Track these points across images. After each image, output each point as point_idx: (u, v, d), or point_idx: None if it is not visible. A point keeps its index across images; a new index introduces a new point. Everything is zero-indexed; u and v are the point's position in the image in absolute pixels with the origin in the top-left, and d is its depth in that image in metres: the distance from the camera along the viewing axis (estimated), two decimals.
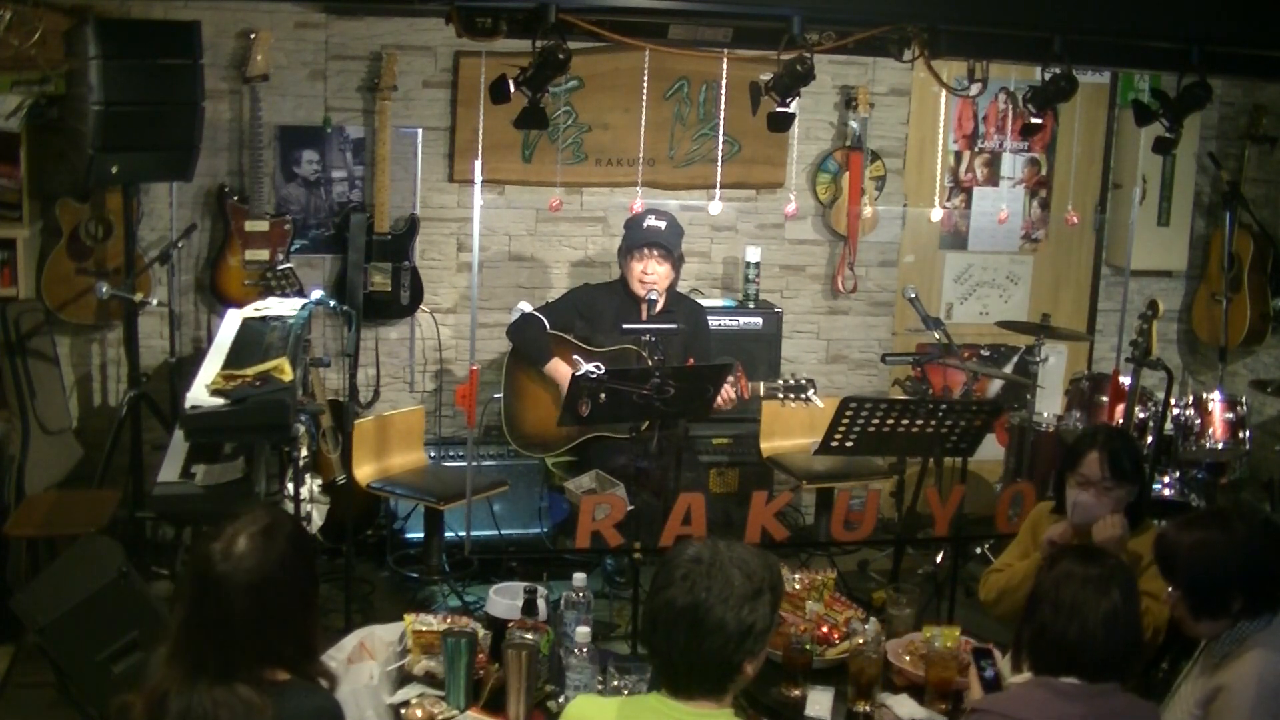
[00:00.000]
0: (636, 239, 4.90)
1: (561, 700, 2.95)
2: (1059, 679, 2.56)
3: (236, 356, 3.72)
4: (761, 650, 2.31)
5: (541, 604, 3.15)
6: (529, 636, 2.98)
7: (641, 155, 5.45)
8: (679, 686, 2.30)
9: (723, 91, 4.93)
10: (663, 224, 4.92)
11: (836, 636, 3.33)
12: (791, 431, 5.36)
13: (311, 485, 4.81)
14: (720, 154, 5.41)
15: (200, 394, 3.40)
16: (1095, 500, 3.39)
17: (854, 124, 5.84)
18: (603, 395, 4.03)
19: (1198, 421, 5.37)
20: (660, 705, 2.32)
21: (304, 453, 4.05)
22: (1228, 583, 2.77)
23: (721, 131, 5.34)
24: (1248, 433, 5.44)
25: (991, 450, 5.49)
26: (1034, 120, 4.30)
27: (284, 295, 4.73)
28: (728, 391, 4.63)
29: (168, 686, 2.19)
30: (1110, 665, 2.55)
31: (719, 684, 2.29)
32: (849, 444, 4.27)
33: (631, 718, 2.36)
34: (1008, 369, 6.00)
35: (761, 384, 4.78)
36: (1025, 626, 2.67)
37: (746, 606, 2.25)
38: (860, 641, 3.10)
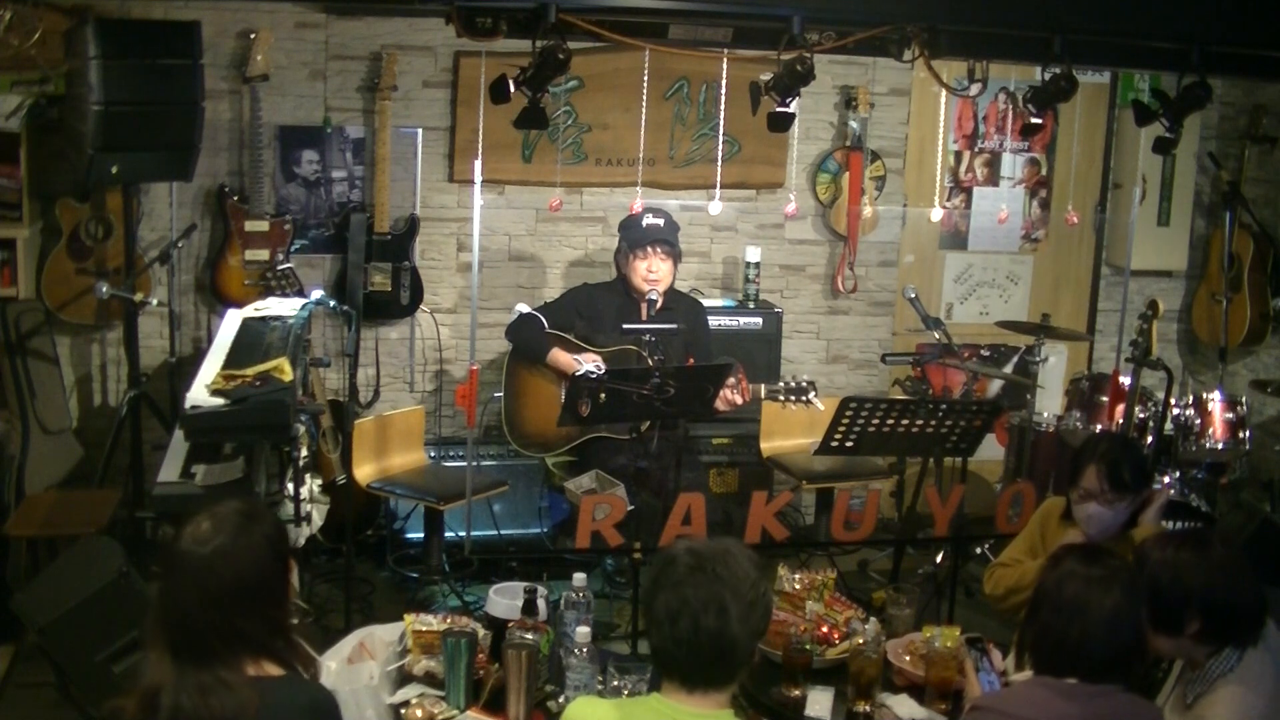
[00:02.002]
0: (639, 238, 4.90)
1: (562, 700, 2.95)
2: (1061, 679, 2.55)
3: (236, 356, 3.72)
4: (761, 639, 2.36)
5: (541, 604, 3.15)
6: (529, 636, 2.98)
7: (641, 155, 5.45)
8: (694, 678, 2.29)
9: (723, 91, 4.92)
10: (661, 221, 4.92)
11: (836, 636, 3.33)
12: (791, 431, 5.35)
13: (311, 485, 4.80)
14: (720, 154, 5.41)
15: (200, 394, 3.41)
16: (1109, 511, 3.38)
17: (854, 124, 5.84)
18: (603, 395, 4.03)
19: (1198, 421, 5.36)
20: (661, 706, 2.31)
21: (304, 453, 4.05)
22: (1185, 601, 2.74)
23: (721, 131, 5.34)
24: (1248, 433, 5.44)
25: (991, 450, 5.48)
26: (1034, 120, 4.30)
27: (284, 295, 4.74)
28: (731, 396, 4.62)
29: (159, 683, 2.21)
30: (1113, 666, 2.53)
31: (732, 674, 2.31)
32: (849, 444, 4.27)
33: (632, 719, 2.36)
34: (1008, 369, 5.99)
35: (763, 386, 4.77)
36: (1028, 627, 2.66)
37: (761, 585, 2.31)
38: (860, 641, 3.11)
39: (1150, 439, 5.10)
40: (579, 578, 3.25)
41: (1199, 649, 2.77)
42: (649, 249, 4.88)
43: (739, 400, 4.65)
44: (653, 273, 4.88)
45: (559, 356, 4.83)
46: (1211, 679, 2.75)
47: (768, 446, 5.37)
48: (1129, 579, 2.60)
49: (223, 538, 2.25)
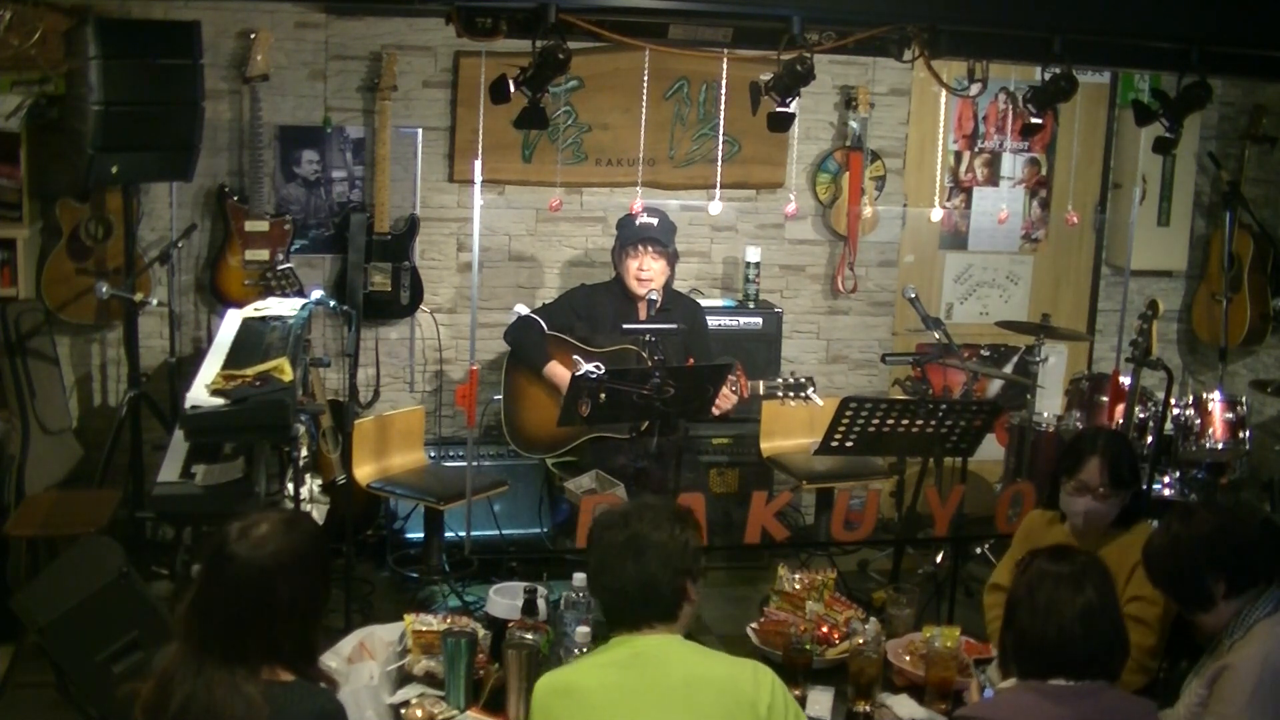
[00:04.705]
0: (630, 236, 4.91)
1: None
2: (1046, 682, 2.54)
3: (236, 356, 3.72)
4: (699, 570, 2.57)
5: (541, 604, 3.15)
6: (529, 636, 2.98)
7: (641, 155, 5.45)
8: (635, 619, 2.53)
9: (723, 91, 4.92)
10: (655, 220, 4.92)
11: (836, 636, 3.32)
12: (791, 431, 5.35)
13: (311, 485, 4.81)
14: (720, 154, 5.40)
15: (200, 394, 3.41)
16: (1102, 506, 3.38)
17: (854, 124, 5.84)
18: (603, 395, 4.03)
19: (1198, 421, 5.37)
20: (621, 640, 2.53)
21: (304, 453, 4.05)
22: (1197, 571, 2.82)
23: (721, 131, 5.34)
24: (1248, 433, 5.45)
25: (991, 450, 5.48)
26: (1034, 120, 4.29)
27: (284, 295, 4.73)
28: (729, 397, 4.62)
29: (175, 670, 2.21)
30: (1095, 663, 2.53)
31: (670, 607, 2.53)
32: (849, 444, 4.26)
33: (603, 664, 2.53)
34: (1008, 369, 5.99)
35: (761, 383, 4.78)
36: (1006, 632, 2.66)
37: (676, 526, 2.55)
38: (860, 641, 3.10)
39: (1150, 439, 5.10)
40: (579, 578, 3.23)
41: (1237, 602, 2.83)
42: (640, 247, 4.88)
43: (732, 396, 4.66)
44: (644, 271, 4.88)
45: (556, 370, 4.82)
46: (1249, 624, 2.80)
47: (768, 446, 5.38)
48: (1100, 574, 2.61)
49: (275, 545, 2.26)
